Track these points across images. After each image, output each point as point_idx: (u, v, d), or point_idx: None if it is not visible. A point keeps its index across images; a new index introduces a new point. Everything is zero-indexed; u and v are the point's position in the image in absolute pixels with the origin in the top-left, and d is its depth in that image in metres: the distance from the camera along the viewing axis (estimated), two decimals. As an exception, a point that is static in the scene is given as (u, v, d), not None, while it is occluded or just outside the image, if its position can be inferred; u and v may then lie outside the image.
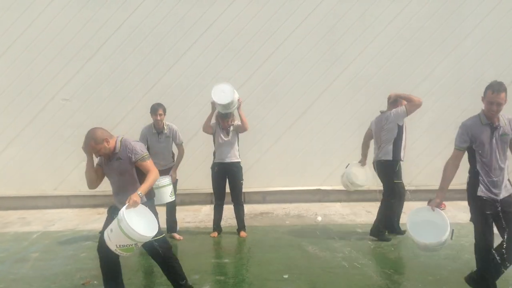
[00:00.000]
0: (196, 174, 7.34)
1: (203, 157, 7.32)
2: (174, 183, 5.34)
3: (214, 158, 5.56)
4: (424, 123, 7.51)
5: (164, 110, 5.33)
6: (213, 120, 5.50)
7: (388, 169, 5.14)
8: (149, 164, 3.53)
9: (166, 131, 5.37)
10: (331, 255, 4.80)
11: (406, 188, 5.71)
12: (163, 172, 5.03)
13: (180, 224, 5.83)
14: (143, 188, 3.38)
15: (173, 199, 5.18)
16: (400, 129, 5.09)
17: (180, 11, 7.31)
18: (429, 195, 7.16)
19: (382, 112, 5.33)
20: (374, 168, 5.40)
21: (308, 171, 7.51)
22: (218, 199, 5.61)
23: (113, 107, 7.26)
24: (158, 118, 5.25)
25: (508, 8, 7.41)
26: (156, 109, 5.26)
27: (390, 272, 4.27)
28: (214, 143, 5.54)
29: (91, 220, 6.56)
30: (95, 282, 4.14)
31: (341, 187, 7.42)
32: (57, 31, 7.25)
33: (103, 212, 6.98)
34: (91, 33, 7.27)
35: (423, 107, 7.43)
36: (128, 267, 4.58)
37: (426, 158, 7.55)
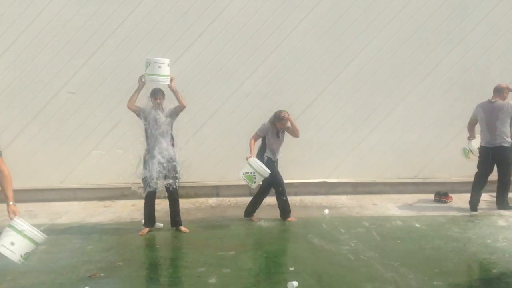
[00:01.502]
0: (202, 167, 7.35)
1: (208, 151, 7.35)
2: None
3: (265, 152, 5.85)
4: (431, 116, 7.48)
5: (163, 95, 5.47)
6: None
7: (508, 153, 5.97)
8: (2, 161, 3.53)
9: (165, 109, 5.49)
10: (337, 248, 4.80)
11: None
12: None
13: (185, 217, 5.84)
14: (11, 196, 3.50)
15: (166, 82, 5.33)
16: (510, 118, 6.00)
17: (183, 6, 7.28)
18: (435, 187, 7.17)
19: (490, 102, 6.04)
20: (484, 153, 6.08)
21: (314, 163, 7.50)
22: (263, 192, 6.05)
23: (117, 101, 7.23)
24: (158, 101, 5.40)
25: (515, 1, 7.35)
26: (156, 93, 5.41)
27: (396, 265, 4.26)
28: (266, 141, 5.86)
29: (97, 212, 6.59)
30: (101, 274, 4.17)
31: (347, 180, 7.53)
32: (61, 26, 7.24)
33: (109, 205, 7.03)
34: (95, 28, 7.25)
35: (430, 100, 7.45)
36: (134, 260, 4.61)
37: (432, 150, 7.53)
